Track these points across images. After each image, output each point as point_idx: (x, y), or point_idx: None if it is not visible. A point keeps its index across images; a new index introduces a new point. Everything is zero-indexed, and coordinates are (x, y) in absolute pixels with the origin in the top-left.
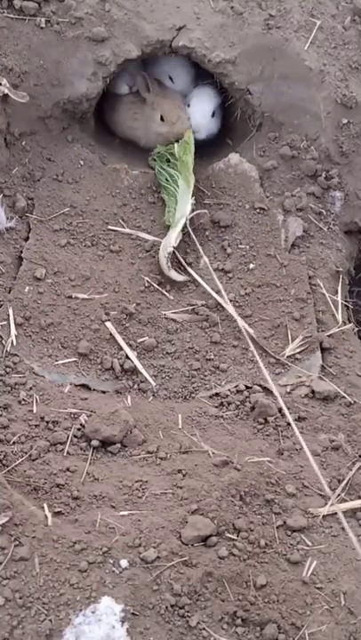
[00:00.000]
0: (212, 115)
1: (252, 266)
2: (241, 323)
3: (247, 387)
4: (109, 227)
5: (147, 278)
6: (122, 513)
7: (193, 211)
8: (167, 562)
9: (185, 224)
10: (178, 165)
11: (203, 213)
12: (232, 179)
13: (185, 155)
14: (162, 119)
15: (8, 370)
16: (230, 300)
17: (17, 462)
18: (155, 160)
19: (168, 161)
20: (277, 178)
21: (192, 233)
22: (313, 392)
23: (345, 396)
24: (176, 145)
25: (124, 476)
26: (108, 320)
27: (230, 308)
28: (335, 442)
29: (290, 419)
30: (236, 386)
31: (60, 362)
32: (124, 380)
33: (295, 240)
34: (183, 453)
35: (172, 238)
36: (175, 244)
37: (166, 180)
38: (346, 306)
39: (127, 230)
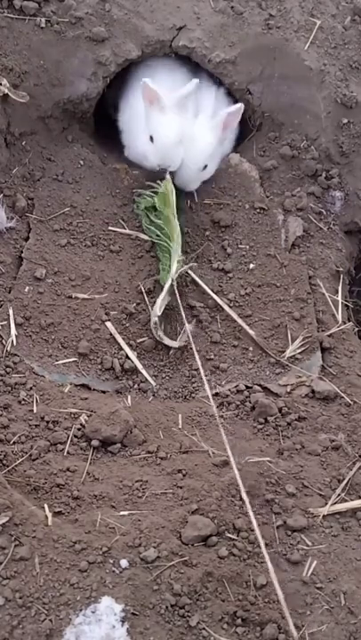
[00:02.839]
0: (204, 167)
1: (252, 266)
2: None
3: (247, 387)
4: (110, 227)
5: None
6: (122, 513)
7: (182, 266)
8: (167, 562)
9: (171, 285)
10: (162, 219)
11: (193, 266)
12: (232, 179)
13: (166, 208)
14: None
15: (8, 370)
16: (230, 300)
17: (17, 462)
18: (138, 208)
19: (155, 209)
20: (277, 178)
21: (178, 298)
22: (313, 392)
23: (345, 396)
24: (156, 197)
25: (125, 476)
26: (109, 320)
27: (230, 311)
28: (335, 442)
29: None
30: (237, 386)
31: (61, 362)
32: (125, 380)
33: (295, 240)
34: (183, 453)
35: (157, 307)
36: (159, 313)
37: (157, 236)
38: (346, 306)
39: (127, 230)
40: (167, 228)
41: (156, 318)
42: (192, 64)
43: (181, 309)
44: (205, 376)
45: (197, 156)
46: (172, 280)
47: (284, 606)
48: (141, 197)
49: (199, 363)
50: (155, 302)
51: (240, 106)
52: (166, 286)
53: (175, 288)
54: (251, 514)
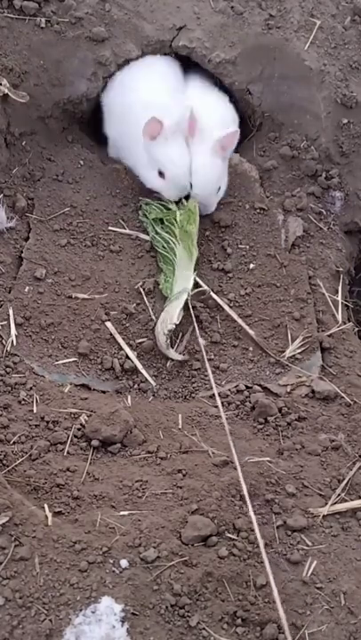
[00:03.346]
0: (218, 189)
1: (252, 266)
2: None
3: (247, 387)
4: (110, 227)
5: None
6: (122, 513)
7: (196, 285)
8: (167, 562)
9: (187, 300)
10: (177, 233)
11: (206, 290)
12: (232, 179)
13: (189, 225)
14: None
15: (8, 370)
16: (230, 300)
17: (17, 462)
18: (145, 217)
19: (162, 221)
20: (277, 178)
21: (192, 312)
22: (313, 392)
23: (345, 396)
24: (178, 212)
25: (125, 476)
26: (109, 320)
27: (230, 311)
28: (335, 442)
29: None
30: (237, 386)
31: (61, 362)
32: (125, 380)
33: (295, 240)
34: (183, 453)
35: (175, 315)
36: (177, 322)
37: (163, 247)
38: (346, 306)
39: (127, 230)
40: (185, 242)
41: (173, 326)
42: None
43: (195, 325)
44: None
45: (208, 183)
46: (188, 295)
47: (281, 611)
48: (150, 206)
49: (212, 378)
50: (162, 318)
51: (236, 131)
52: (183, 297)
53: (190, 304)
54: (252, 514)
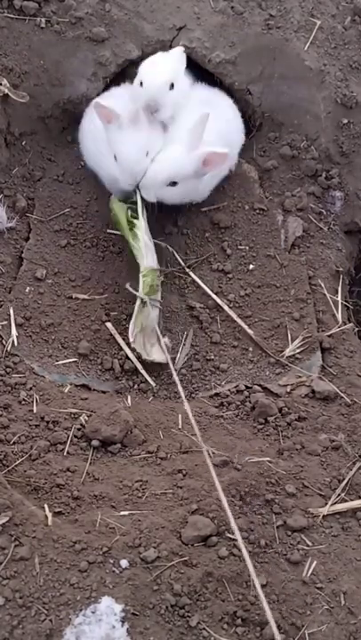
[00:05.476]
0: (172, 184)
1: (251, 266)
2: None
3: (247, 387)
4: (109, 230)
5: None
6: (122, 513)
7: (152, 280)
8: (167, 562)
9: (142, 303)
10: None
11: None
12: (231, 179)
13: (120, 227)
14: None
15: (8, 370)
16: (230, 301)
17: (17, 462)
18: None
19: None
20: (277, 178)
21: (154, 314)
22: (313, 392)
23: (345, 396)
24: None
25: (125, 476)
26: (109, 320)
27: (230, 311)
28: (335, 442)
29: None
30: (237, 386)
31: (61, 362)
32: (124, 381)
33: (295, 240)
34: (183, 453)
35: (130, 333)
36: (132, 340)
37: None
38: (346, 306)
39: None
40: (133, 237)
41: (134, 339)
42: None
43: (157, 328)
44: (204, 378)
45: (163, 168)
46: (141, 300)
47: (267, 609)
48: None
49: (177, 380)
50: (140, 327)
51: (225, 153)
52: (136, 308)
53: (148, 304)
54: (226, 506)
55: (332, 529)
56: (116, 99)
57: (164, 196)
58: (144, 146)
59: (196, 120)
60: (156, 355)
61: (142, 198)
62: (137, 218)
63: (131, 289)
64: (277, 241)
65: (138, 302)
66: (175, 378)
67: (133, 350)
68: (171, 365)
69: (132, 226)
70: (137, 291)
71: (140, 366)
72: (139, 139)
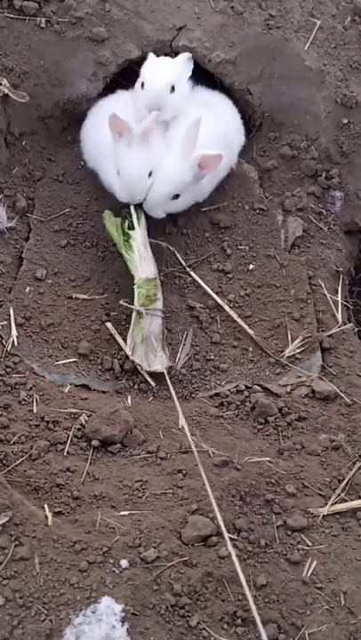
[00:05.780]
0: (175, 196)
1: (251, 266)
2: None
3: (247, 387)
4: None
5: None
6: (122, 513)
7: (147, 292)
8: (167, 562)
9: (138, 314)
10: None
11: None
12: (231, 179)
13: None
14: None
15: (8, 370)
16: (230, 301)
17: (17, 462)
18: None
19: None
20: (277, 178)
21: (141, 320)
22: (313, 392)
23: (345, 396)
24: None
25: (125, 476)
26: (109, 320)
27: (230, 311)
28: (335, 442)
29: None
30: (237, 386)
31: (61, 362)
32: (125, 381)
33: (295, 240)
34: (183, 453)
35: (128, 347)
36: (130, 352)
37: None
38: (346, 306)
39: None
40: (127, 248)
41: (132, 352)
42: None
43: (162, 337)
44: (204, 382)
45: (164, 184)
46: (138, 312)
47: (253, 608)
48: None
49: (173, 392)
50: (143, 337)
51: (219, 155)
52: (132, 320)
53: (145, 315)
54: (215, 508)
55: (332, 529)
56: (124, 104)
57: (170, 210)
58: (147, 165)
59: (189, 125)
60: (158, 365)
61: (139, 208)
62: (132, 229)
63: (125, 304)
64: (277, 241)
65: (134, 314)
66: (170, 386)
67: (132, 362)
68: (167, 378)
69: (127, 237)
70: (132, 303)
71: (140, 367)
72: (144, 158)
